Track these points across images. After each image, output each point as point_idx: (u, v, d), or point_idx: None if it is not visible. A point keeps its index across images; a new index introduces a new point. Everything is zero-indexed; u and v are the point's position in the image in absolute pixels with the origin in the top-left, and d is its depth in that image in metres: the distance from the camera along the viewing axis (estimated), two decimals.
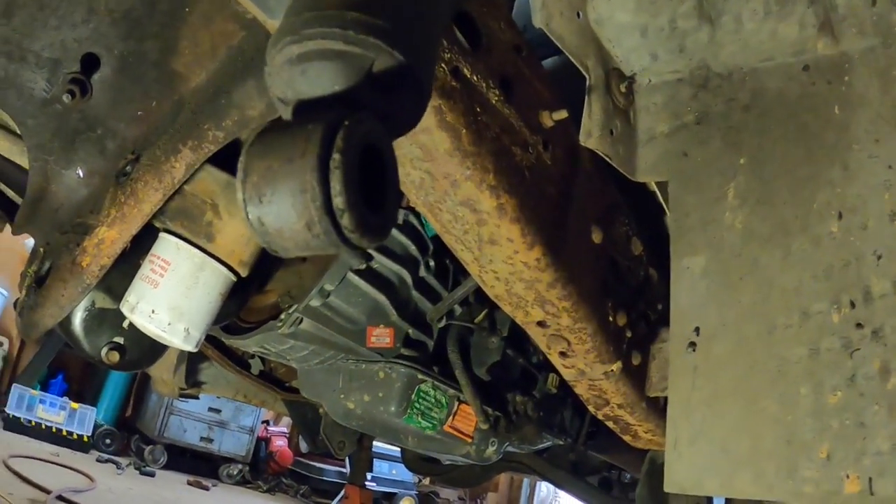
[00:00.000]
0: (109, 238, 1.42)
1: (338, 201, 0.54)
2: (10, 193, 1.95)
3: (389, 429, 2.25)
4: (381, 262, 1.89)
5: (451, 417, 2.20)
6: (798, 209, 1.24)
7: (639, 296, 1.63)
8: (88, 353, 1.89)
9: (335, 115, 0.56)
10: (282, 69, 0.61)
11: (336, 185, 0.53)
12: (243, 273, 1.57)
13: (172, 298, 1.49)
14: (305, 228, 0.54)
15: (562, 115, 1.27)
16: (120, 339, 1.79)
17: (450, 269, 2.05)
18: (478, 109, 1.07)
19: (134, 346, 1.83)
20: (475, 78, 1.08)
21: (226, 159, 1.43)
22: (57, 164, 1.50)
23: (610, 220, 1.50)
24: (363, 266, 1.83)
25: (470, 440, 2.24)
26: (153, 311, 1.50)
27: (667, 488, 1.24)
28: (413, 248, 1.94)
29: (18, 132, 1.52)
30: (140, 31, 1.37)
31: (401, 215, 1.85)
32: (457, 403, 2.20)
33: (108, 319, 1.80)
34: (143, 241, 1.52)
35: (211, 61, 1.38)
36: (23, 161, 1.62)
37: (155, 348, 1.88)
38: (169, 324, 1.50)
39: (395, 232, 1.87)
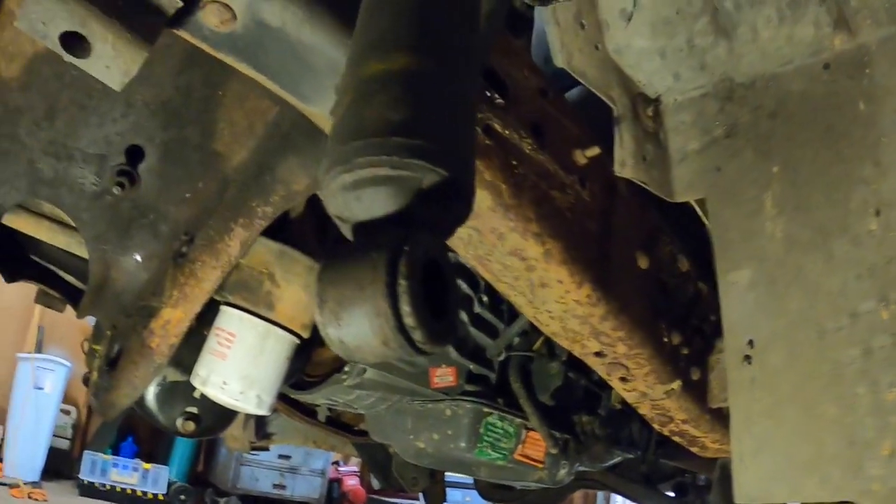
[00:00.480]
0: (175, 318, 1.47)
1: (408, 321, 0.59)
2: (69, 278, 2.03)
3: (461, 463, 2.28)
4: None
5: (520, 446, 2.22)
6: (835, 211, 1.26)
7: (691, 312, 1.65)
8: (164, 425, 1.95)
9: (395, 241, 0.61)
10: (337, 194, 0.67)
11: (405, 308, 0.59)
12: (306, 335, 1.62)
13: (241, 368, 1.55)
14: (382, 345, 0.60)
15: (594, 151, 1.31)
16: (193, 409, 1.86)
17: (503, 301, 2.08)
18: (513, 162, 1.11)
19: (207, 414, 1.89)
20: (507, 132, 1.12)
21: (275, 228, 1.48)
22: (115, 252, 1.56)
23: (653, 243, 1.53)
24: None
25: (541, 465, 2.26)
26: (224, 383, 1.56)
27: (737, 500, 1.26)
28: (465, 287, 1.97)
29: (74, 225, 1.58)
30: (178, 118, 1.43)
31: (452, 257, 1.89)
32: (524, 431, 2.22)
33: (179, 391, 1.87)
34: (204, 314, 1.57)
35: (249, 138, 1.43)
36: (80, 251, 1.68)
37: (228, 413, 1.94)
38: (241, 392, 1.56)
39: None
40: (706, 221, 1.46)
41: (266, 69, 1.03)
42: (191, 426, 1.88)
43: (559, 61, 1.21)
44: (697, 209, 1.49)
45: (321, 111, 1.05)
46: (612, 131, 1.33)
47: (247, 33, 0.98)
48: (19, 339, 8.76)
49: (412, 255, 0.60)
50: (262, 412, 1.62)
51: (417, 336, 0.60)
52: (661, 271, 1.56)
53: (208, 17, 0.96)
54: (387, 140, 0.64)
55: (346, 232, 0.70)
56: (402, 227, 0.65)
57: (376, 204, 0.67)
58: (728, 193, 1.38)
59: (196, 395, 1.83)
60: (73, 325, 8.31)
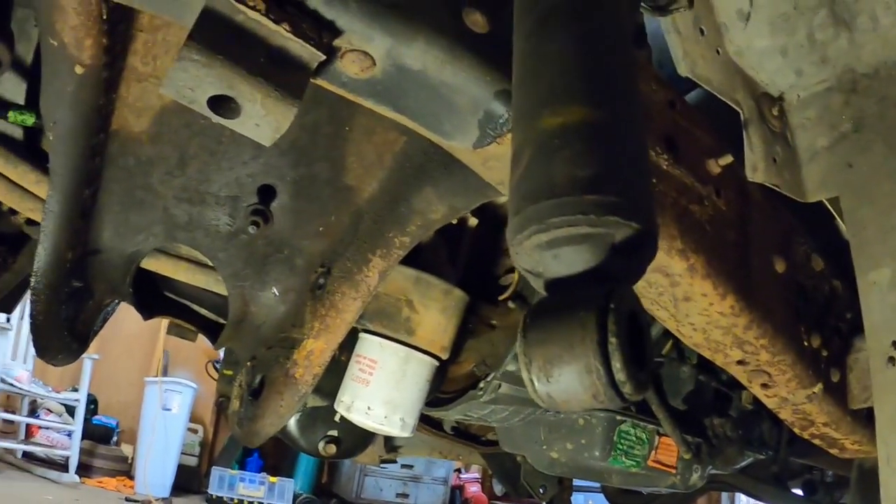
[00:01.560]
0: (318, 349, 1.51)
1: (619, 376, 0.61)
2: (203, 311, 2.09)
3: (594, 471, 2.28)
4: None
5: (653, 452, 2.21)
6: None
7: (827, 311, 1.61)
8: (306, 449, 2.01)
9: (600, 299, 0.63)
10: (532, 252, 0.69)
11: (616, 364, 0.61)
12: (444, 357, 1.65)
13: (384, 393, 1.59)
14: (591, 398, 0.62)
15: (727, 160, 1.29)
16: (334, 432, 1.91)
17: None
18: (653, 181, 1.11)
19: (348, 437, 1.94)
20: None
21: (409, 255, 1.50)
22: (253, 287, 1.60)
23: (788, 245, 1.51)
24: None
25: (674, 471, 2.24)
26: (369, 408, 1.60)
27: None
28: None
29: (211, 265, 1.64)
30: (307, 156, 1.45)
31: None
32: (657, 437, 2.21)
33: (320, 416, 1.92)
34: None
35: (379, 170, 1.45)
36: (219, 288, 1.73)
37: (367, 435, 1.99)
38: (385, 417, 1.60)
39: None
40: (840, 220, 1.43)
41: (406, 110, 1.04)
42: (332, 449, 1.94)
43: (683, 70, 1.21)
44: (830, 208, 1.45)
45: (464, 146, 1.07)
46: (731, 133, 1.32)
47: (386, 78, 1.00)
48: (146, 364, 9.16)
49: (619, 312, 0.62)
50: (406, 434, 1.66)
51: (627, 389, 0.62)
52: (798, 273, 1.53)
53: (348, 65, 0.98)
54: (581, 199, 0.66)
55: (538, 286, 0.72)
56: (600, 282, 0.67)
57: (574, 261, 0.69)
58: (862, 190, 1.34)
59: (336, 418, 1.89)
60: (196, 348, 8.67)
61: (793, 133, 1.41)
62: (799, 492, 3.41)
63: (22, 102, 1.60)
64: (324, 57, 0.94)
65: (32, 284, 1.57)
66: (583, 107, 0.70)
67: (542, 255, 0.69)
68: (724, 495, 10.83)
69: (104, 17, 1.11)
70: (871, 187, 1.33)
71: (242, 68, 0.90)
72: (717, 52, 1.32)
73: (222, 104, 0.94)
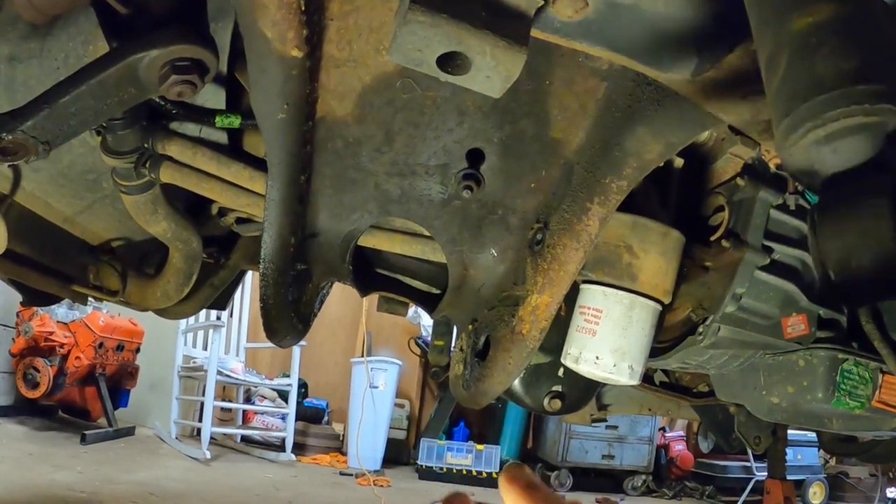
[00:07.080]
0: (543, 303, 1.52)
1: None
2: (417, 284, 2.15)
3: (814, 416, 2.19)
4: (782, 251, 1.87)
5: (877, 392, 2.10)
6: None
7: None
8: (531, 406, 2.04)
9: (889, 187, 0.64)
10: (808, 150, 0.70)
11: None
12: (667, 301, 1.63)
13: (612, 342, 1.59)
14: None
15: None
16: (558, 388, 1.92)
17: None
18: None
19: (572, 391, 1.95)
20: None
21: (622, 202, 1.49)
22: (470, 251, 1.63)
23: None
24: (767, 261, 1.82)
25: None
26: (597, 358, 1.60)
27: None
28: (807, 229, 1.89)
29: (426, 234, 1.68)
30: (511, 115, 1.45)
31: (791, 200, 1.83)
32: (880, 376, 2.09)
33: (543, 373, 1.94)
34: None
35: (584, 119, 1.44)
36: (435, 257, 1.77)
37: (589, 388, 1.99)
38: (614, 365, 1.60)
39: (786, 217, 1.85)
40: None
41: (621, 47, 1.04)
42: (557, 404, 1.96)
43: None
44: None
45: (682, 76, 1.05)
46: None
47: (599, 17, 1.00)
48: (349, 346, 9.59)
49: None
50: (634, 382, 1.65)
51: None
52: None
53: (561, 9, 0.98)
54: (851, 89, 0.66)
55: (813, 187, 0.72)
56: (879, 172, 0.68)
57: (852, 154, 0.69)
58: None
59: (559, 373, 1.91)
60: (397, 327, 9.01)
61: None
62: None
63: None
64: (542, 2, 0.95)
65: (262, 270, 1.66)
66: (828, 3, 0.70)
67: (820, 151, 0.70)
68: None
69: (302, 8, 1.15)
70: None
71: (467, 23, 0.92)
72: None
73: (448, 62, 0.96)
